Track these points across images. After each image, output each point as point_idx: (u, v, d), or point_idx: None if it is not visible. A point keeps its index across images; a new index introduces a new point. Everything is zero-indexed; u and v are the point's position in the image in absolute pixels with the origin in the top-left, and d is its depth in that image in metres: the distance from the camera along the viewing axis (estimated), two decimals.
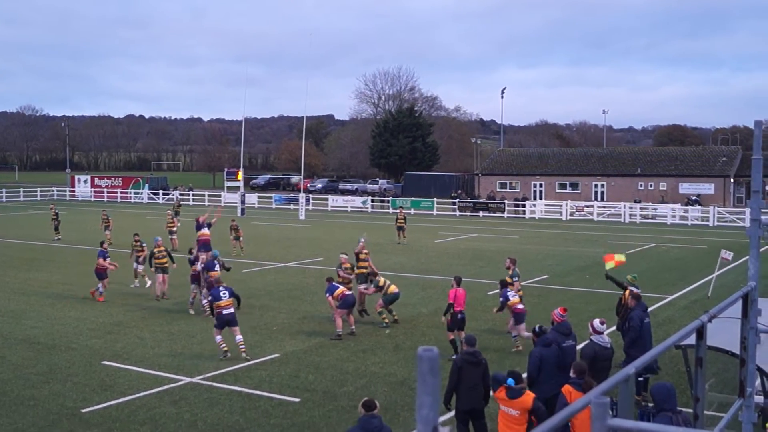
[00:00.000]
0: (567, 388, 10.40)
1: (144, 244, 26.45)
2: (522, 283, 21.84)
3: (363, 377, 15.72)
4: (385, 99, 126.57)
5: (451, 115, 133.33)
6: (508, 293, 18.17)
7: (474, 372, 11.57)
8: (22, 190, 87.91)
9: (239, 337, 16.99)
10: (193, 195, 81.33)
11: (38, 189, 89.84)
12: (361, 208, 70.73)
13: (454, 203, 67.62)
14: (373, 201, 72.86)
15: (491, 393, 11.07)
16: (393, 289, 20.68)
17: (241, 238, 35.91)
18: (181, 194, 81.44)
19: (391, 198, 74.07)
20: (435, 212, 65.81)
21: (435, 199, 68.64)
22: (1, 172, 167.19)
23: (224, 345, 16.84)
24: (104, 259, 24.23)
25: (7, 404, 13.80)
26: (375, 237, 39.64)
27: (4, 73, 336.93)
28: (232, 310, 17.17)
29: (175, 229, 37.89)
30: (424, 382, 2.84)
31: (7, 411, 13.43)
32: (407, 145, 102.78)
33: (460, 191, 78.33)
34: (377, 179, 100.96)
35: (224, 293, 17.16)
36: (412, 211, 66.14)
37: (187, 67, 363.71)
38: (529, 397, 10.41)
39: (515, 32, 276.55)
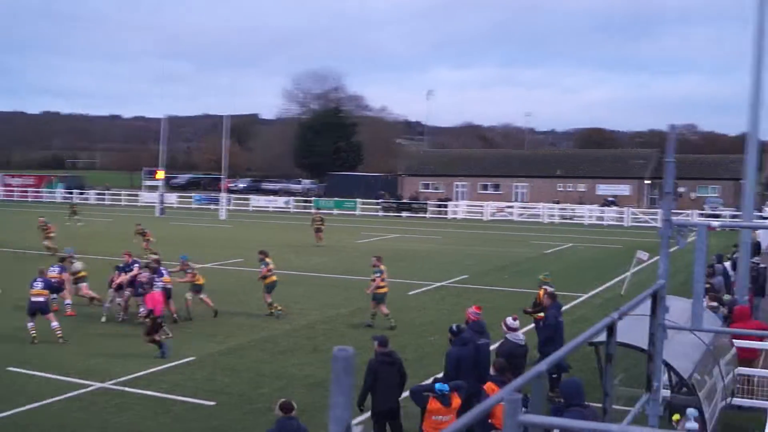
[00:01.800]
0: (489, 386, 10.42)
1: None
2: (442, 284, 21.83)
3: (281, 379, 15.53)
4: (312, 98, 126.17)
5: (377, 116, 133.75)
6: None
7: (390, 371, 11.51)
8: None
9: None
10: (109, 195, 79.58)
11: None
12: (283, 208, 70.34)
13: (378, 203, 67.77)
14: (296, 201, 72.46)
15: (421, 408, 10.45)
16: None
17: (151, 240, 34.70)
18: (97, 194, 79.70)
19: (314, 198, 73.78)
20: (358, 212, 65.90)
21: (358, 200, 68.66)
22: None
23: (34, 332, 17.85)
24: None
25: None
26: (297, 237, 39.45)
27: None
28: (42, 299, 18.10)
29: (52, 235, 34.91)
30: (338, 382, 2.86)
31: None
32: (331, 145, 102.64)
33: (383, 192, 78.58)
34: (300, 179, 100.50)
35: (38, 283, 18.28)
36: (335, 212, 66.07)
37: (110, 62, 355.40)
38: (455, 396, 10.34)
39: (451, 33, 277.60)
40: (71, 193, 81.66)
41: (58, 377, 15.37)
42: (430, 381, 10.65)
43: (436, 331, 19.46)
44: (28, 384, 14.96)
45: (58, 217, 45.92)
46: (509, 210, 65.01)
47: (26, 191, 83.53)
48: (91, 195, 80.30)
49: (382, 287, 20.33)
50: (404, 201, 70.82)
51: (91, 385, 14.81)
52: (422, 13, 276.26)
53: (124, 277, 20.94)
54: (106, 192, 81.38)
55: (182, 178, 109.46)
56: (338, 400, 2.80)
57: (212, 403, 13.94)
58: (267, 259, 21.92)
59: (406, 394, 11.67)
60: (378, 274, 20.44)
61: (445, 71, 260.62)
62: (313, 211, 63.28)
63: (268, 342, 18.61)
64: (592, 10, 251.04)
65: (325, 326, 20.47)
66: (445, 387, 10.21)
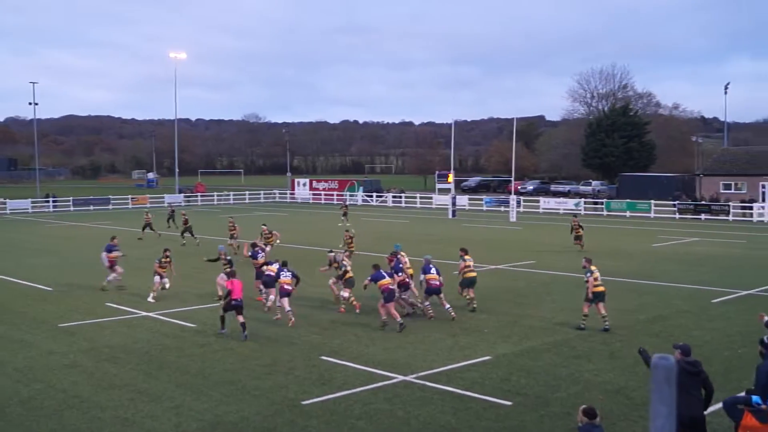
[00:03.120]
0: None
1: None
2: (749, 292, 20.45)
3: (577, 384, 15.37)
4: (598, 98, 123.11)
5: (669, 113, 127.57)
6: None
7: (691, 381, 10.85)
8: (247, 192, 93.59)
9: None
10: (405, 197, 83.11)
11: (261, 192, 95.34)
12: (573, 210, 69.26)
13: (673, 205, 64.64)
14: (586, 203, 71.06)
15: (735, 423, 9.56)
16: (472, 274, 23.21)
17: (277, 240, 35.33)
18: (393, 197, 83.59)
19: (605, 200, 71.88)
20: (652, 215, 63.21)
21: (652, 201, 65.87)
22: (228, 176, 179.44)
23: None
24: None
25: (234, 393, 14.73)
26: (586, 240, 38.66)
27: (232, 84, 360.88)
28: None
29: (235, 234, 37.24)
30: (660, 392, 2.77)
31: (234, 399, 14.34)
32: (622, 145, 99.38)
33: (679, 193, 74.68)
34: (590, 180, 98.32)
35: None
36: (627, 214, 64.03)
37: (402, 71, 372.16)
38: None
39: (751, 21, 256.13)
40: (370, 196, 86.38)
41: (365, 368, 16.38)
42: (743, 393, 9.86)
43: (744, 343, 18.24)
44: (337, 373, 16.10)
45: (361, 219, 48.78)
46: None
47: (331, 194, 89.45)
48: (388, 198, 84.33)
49: (597, 286, 20.37)
50: (703, 202, 66.80)
51: (395, 378, 15.63)
52: (711, 4, 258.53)
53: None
54: (402, 195, 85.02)
55: (472, 180, 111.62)
56: (660, 410, 2.72)
57: (508, 403, 14.11)
58: (466, 256, 23.27)
59: (714, 408, 11.08)
60: (589, 275, 20.36)
61: (744, 63, 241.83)
62: (609, 213, 61.87)
63: (563, 345, 18.49)
64: None
65: (621, 332, 19.93)
66: (759, 399, 9.44)
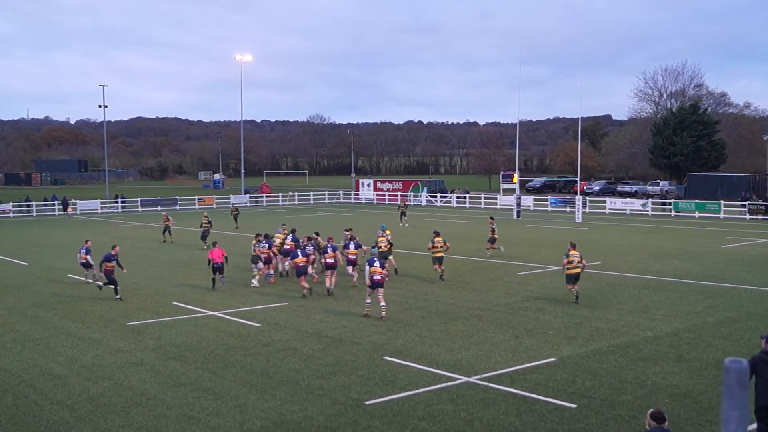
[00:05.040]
0: None
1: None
2: None
3: (643, 387, 15.07)
4: (667, 97, 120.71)
5: (739, 112, 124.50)
6: None
7: None
8: (312, 193, 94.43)
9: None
10: (469, 198, 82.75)
11: (326, 192, 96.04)
12: (640, 210, 68.05)
13: (743, 206, 63.03)
14: (653, 203, 69.73)
15: None
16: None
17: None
18: (458, 197, 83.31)
19: (673, 200, 70.44)
20: (722, 215, 61.74)
21: (722, 202, 64.33)
22: (294, 176, 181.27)
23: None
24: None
25: (298, 392, 14.83)
26: (655, 241, 37.94)
27: (300, 85, 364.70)
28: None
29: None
30: (731, 396, 2.67)
31: (298, 398, 14.44)
32: (691, 144, 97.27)
33: (749, 193, 72.77)
34: (658, 180, 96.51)
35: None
36: (696, 214, 62.67)
37: (469, 71, 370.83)
38: None
39: None
40: (434, 196, 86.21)
41: (428, 369, 16.34)
42: None
43: None
44: (401, 373, 16.08)
45: (425, 219, 48.68)
46: None
47: (395, 195, 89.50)
48: (453, 198, 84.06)
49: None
50: None
51: (459, 379, 15.55)
52: None
53: None
54: (466, 195, 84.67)
55: (537, 181, 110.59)
56: (731, 414, 2.64)
57: (573, 405, 13.91)
58: (571, 252, 24.33)
59: None
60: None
61: None
62: (677, 213, 60.70)
63: (629, 348, 18.16)
64: None
65: (689, 335, 19.49)
66: None
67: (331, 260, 25.75)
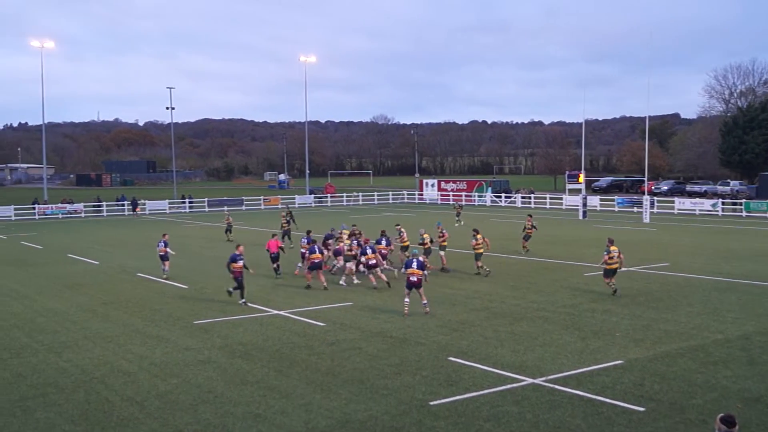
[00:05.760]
0: None
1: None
2: None
3: (713, 391, 14.73)
4: (738, 95, 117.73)
5: None
6: None
7: None
8: (375, 193, 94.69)
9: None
10: (534, 198, 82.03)
11: (390, 193, 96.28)
12: (710, 211, 66.54)
13: None
14: (724, 204, 68.09)
15: None
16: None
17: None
18: (522, 197, 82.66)
19: (744, 201, 68.66)
20: None
21: None
22: (358, 177, 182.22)
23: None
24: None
25: (363, 391, 14.89)
26: (723, 242, 37.07)
27: (364, 85, 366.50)
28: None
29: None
30: None
31: (363, 398, 14.49)
32: (762, 143, 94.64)
33: None
34: (728, 180, 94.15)
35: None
36: None
37: (534, 69, 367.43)
38: None
39: None
40: (499, 196, 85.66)
41: (493, 370, 16.23)
42: None
43: None
44: (465, 374, 16.01)
45: (491, 219, 48.41)
46: None
47: (459, 195, 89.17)
48: (517, 198, 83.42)
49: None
50: None
51: (524, 381, 15.41)
52: None
53: None
54: (531, 195, 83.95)
55: (603, 181, 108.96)
56: None
57: (641, 409, 13.67)
58: (611, 247, 25.31)
59: None
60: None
61: None
62: (749, 213, 59.37)
63: (699, 351, 17.77)
64: None
65: (761, 338, 18.98)
66: None
67: (372, 261, 27.20)
